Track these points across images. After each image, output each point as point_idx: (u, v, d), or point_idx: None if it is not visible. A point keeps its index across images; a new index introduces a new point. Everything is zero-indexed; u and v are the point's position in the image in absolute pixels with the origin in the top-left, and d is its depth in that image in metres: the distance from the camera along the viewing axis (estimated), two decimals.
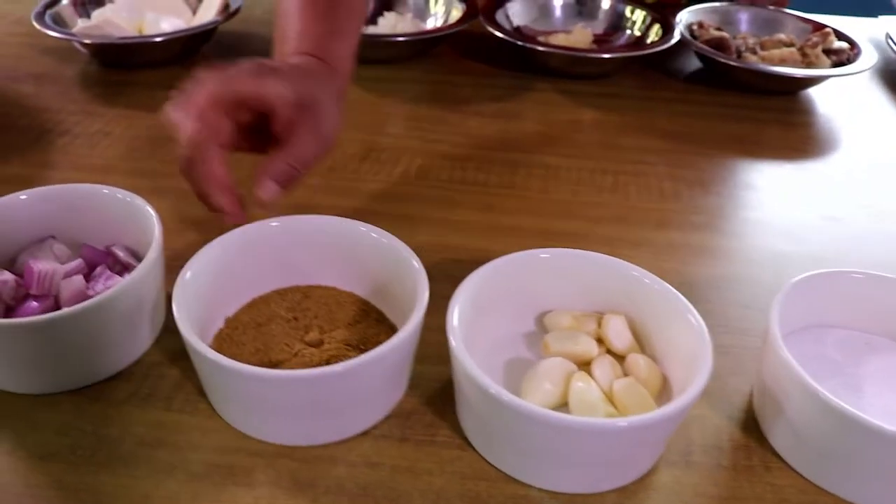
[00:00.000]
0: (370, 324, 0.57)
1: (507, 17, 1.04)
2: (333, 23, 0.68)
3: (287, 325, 0.56)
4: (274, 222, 0.58)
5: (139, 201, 0.59)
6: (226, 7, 1.00)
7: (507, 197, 0.76)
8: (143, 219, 0.58)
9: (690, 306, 0.52)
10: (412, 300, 0.53)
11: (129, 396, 0.54)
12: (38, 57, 1.02)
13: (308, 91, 0.60)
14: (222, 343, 0.55)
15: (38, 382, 0.53)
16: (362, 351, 0.54)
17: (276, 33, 0.69)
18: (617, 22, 1.08)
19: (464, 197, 0.76)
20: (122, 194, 0.60)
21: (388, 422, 0.53)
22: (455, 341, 0.49)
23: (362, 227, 0.58)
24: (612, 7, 1.08)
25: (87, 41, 0.94)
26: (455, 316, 0.51)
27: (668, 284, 0.55)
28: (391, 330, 0.57)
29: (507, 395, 0.45)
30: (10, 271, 0.57)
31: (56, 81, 0.96)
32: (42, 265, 0.55)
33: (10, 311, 0.55)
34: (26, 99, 0.92)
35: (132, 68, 0.99)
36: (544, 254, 0.57)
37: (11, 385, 0.53)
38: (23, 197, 0.60)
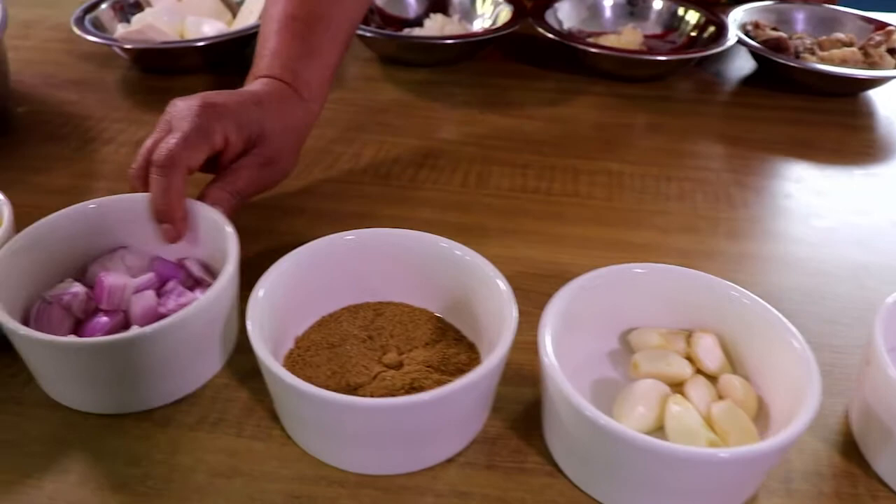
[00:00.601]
0: (449, 343, 0.54)
1: (557, 17, 1.01)
2: (310, 44, 0.67)
3: (362, 345, 0.54)
4: (349, 235, 0.56)
5: (214, 214, 0.56)
6: None
7: (572, 205, 0.73)
8: (216, 232, 0.56)
9: (792, 328, 0.49)
10: (494, 320, 0.50)
11: (198, 422, 0.51)
12: (77, 63, 1.00)
13: (256, 125, 0.61)
14: (295, 365, 0.52)
15: (105, 402, 0.51)
16: (443, 373, 0.51)
17: (256, 47, 0.69)
18: (669, 22, 1.05)
19: (528, 205, 0.73)
20: (196, 206, 0.57)
21: (472, 448, 0.50)
22: (549, 363, 0.46)
23: (443, 244, 0.55)
24: (664, 7, 1.05)
25: (128, 46, 0.91)
26: (547, 336, 0.48)
27: (765, 302, 0.52)
28: (470, 349, 0.54)
29: (605, 420, 0.43)
30: (80, 282, 0.54)
31: (97, 88, 0.94)
32: (113, 280, 0.52)
33: (79, 325, 0.53)
34: (68, 106, 0.90)
35: (174, 73, 0.96)
36: (639, 269, 0.54)
37: (78, 403, 0.51)
38: (92, 206, 0.57)
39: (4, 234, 0.55)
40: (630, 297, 0.55)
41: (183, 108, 0.59)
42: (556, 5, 1.02)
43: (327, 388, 0.46)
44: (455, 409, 0.46)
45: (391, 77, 0.96)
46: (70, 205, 0.70)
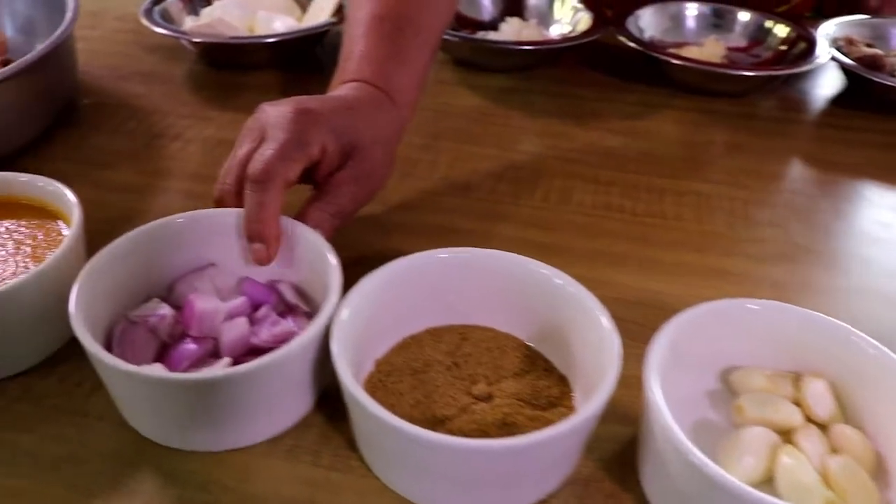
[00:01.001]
0: (539, 374, 0.51)
1: (638, 26, 0.97)
2: (399, 47, 0.63)
3: (448, 372, 0.50)
4: (443, 253, 0.52)
5: (312, 236, 0.53)
6: (340, 8, 0.94)
7: (659, 227, 0.69)
8: (313, 255, 0.52)
9: None
10: (592, 354, 0.47)
11: (271, 448, 0.48)
12: (144, 55, 0.98)
13: (353, 135, 0.57)
14: (376, 391, 0.49)
15: (188, 439, 0.48)
16: (535, 407, 0.48)
17: (342, 51, 0.64)
18: (755, 35, 1.00)
19: (612, 225, 0.69)
20: (292, 225, 0.54)
21: (565, 491, 0.46)
22: (656, 403, 0.42)
23: (543, 270, 0.51)
24: (751, 19, 1.00)
25: (197, 40, 0.89)
26: (654, 373, 0.44)
27: (885, 348, 0.48)
28: (561, 382, 0.51)
29: (715, 470, 0.39)
30: (165, 300, 0.52)
31: (164, 81, 0.92)
32: (204, 305, 0.49)
33: (165, 349, 0.50)
34: (134, 99, 0.88)
35: (242, 69, 0.93)
36: (752, 305, 0.50)
37: (159, 436, 0.48)
38: (180, 220, 0.54)
39: (74, 238, 0.52)
40: (733, 333, 0.51)
41: (276, 115, 0.54)
42: (638, 13, 0.98)
43: (412, 418, 0.43)
44: (554, 452, 0.43)
45: (465, 81, 0.92)
46: (136, 203, 0.69)
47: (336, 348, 0.45)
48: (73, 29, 0.78)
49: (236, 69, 0.94)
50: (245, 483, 0.46)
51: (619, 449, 0.49)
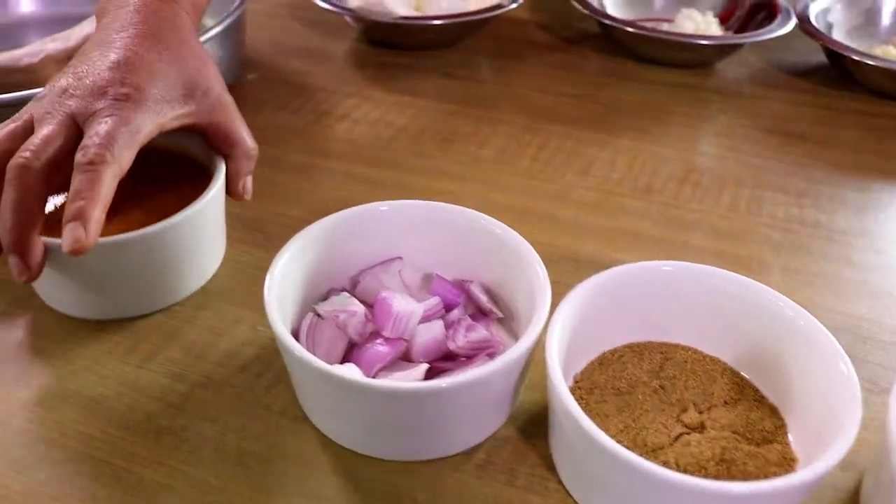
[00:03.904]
0: (750, 405, 0.46)
1: (827, 21, 0.90)
2: None
3: (655, 395, 0.46)
4: (667, 267, 0.48)
5: (508, 233, 0.49)
6: None
7: (863, 249, 0.63)
8: (510, 256, 0.49)
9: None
10: (816, 390, 0.43)
11: (462, 462, 0.45)
12: (304, 30, 0.96)
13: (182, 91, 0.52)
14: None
15: (381, 448, 0.45)
16: (750, 441, 0.44)
17: None
18: None
19: (808, 242, 0.64)
20: (483, 221, 0.51)
21: None
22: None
23: (769, 295, 0.47)
24: None
25: (364, 17, 0.86)
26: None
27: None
28: (773, 414, 0.46)
29: None
30: (350, 292, 0.50)
31: (327, 59, 0.90)
32: (401, 306, 0.46)
33: (352, 349, 0.47)
34: (298, 76, 0.86)
35: (405, 49, 0.91)
36: None
37: (338, 436, 0.46)
38: (383, 208, 0.52)
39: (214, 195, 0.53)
40: None
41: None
42: (827, 6, 0.91)
43: (621, 443, 0.39)
44: (790, 499, 0.39)
45: (636, 74, 0.88)
46: (303, 183, 0.67)
47: (550, 360, 0.41)
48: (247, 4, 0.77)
49: (398, 49, 0.91)
50: (436, 498, 0.43)
51: (846, 498, 0.44)
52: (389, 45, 0.91)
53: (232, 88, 0.71)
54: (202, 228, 0.54)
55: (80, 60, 0.51)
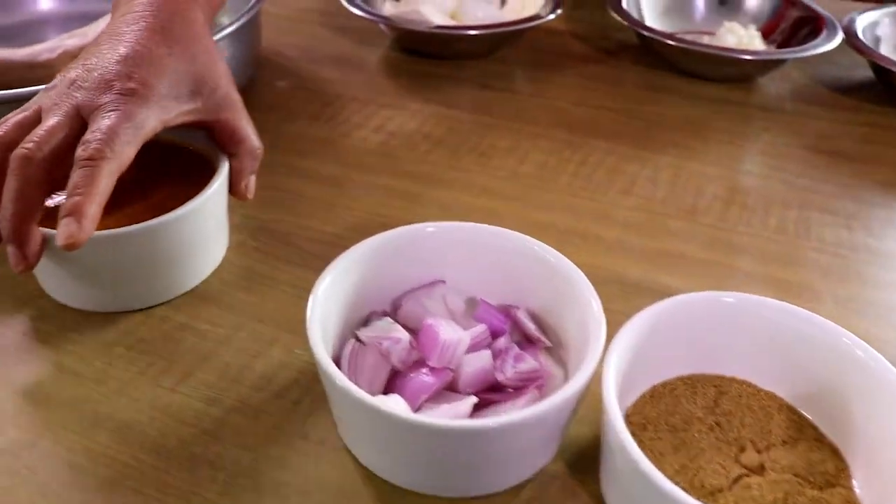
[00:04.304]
0: (810, 444, 0.44)
1: (874, 35, 0.88)
2: None
3: (711, 433, 0.44)
4: (728, 298, 0.46)
5: (566, 264, 0.47)
6: (559, 3, 0.88)
7: None
8: (562, 283, 0.47)
9: None
10: (881, 431, 0.40)
11: (510, 499, 0.43)
12: (334, 37, 0.95)
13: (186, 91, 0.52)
14: None
15: (426, 484, 0.43)
16: (812, 485, 0.42)
17: None
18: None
19: (860, 268, 0.61)
20: (540, 250, 0.49)
21: None
22: None
23: (829, 328, 0.45)
24: None
25: (400, 26, 0.84)
26: None
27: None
28: (835, 455, 0.44)
29: None
30: (391, 316, 0.48)
31: (359, 67, 0.88)
32: (448, 334, 0.45)
33: (395, 377, 0.45)
34: (330, 85, 0.84)
35: (438, 58, 0.89)
36: None
37: (380, 469, 0.44)
38: (430, 230, 0.50)
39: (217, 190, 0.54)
40: None
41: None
42: (875, 22, 0.89)
43: (677, 484, 0.37)
44: None
45: (676, 88, 0.85)
46: (338, 197, 0.65)
47: (611, 401, 0.39)
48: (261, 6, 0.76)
49: (433, 57, 0.89)
50: None
51: None
52: (424, 53, 0.89)
53: (251, 91, 0.70)
54: (203, 223, 0.54)
55: (90, 52, 0.51)
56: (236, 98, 0.56)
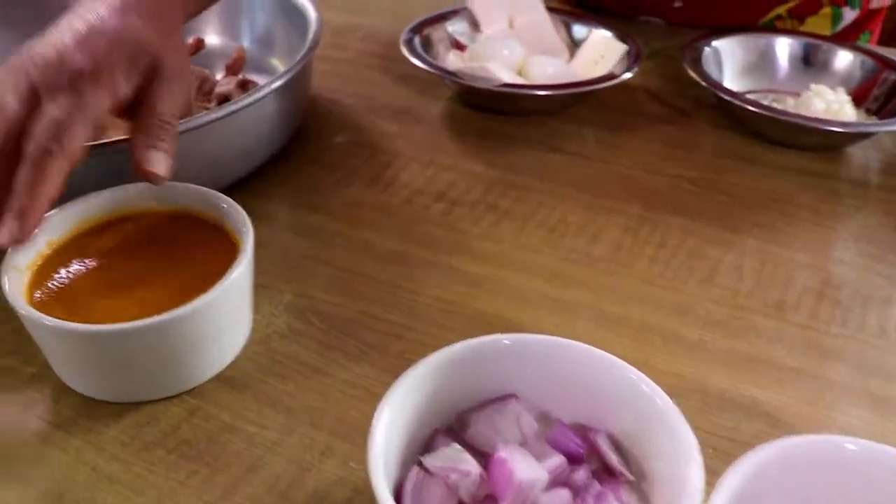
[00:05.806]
0: None
1: None
2: None
3: None
4: (851, 445, 0.41)
5: (639, 378, 0.43)
6: (636, 59, 0.83)
7: None
8: (640, 400, 0.42)
9: None
10: None
11: None
12: (394, 86, 0.90)
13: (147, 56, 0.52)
14: None
15: None
16: None
17: None
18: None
19: None
20: (622, 370, 0.44)
21: None
22: None
23: None
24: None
25: (468, 83, 0.80)
26: None
27: None
28: None
29: None
30: (456, 435, 0.44)
31: (420, 121, 0.84)
32: (524, 473, 0.40)
33: None
34: (388, 141, 0.80)
35: (503, 114, 0.84)
36: None
37: None
38: (506, 342, 0.46)
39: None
40: None
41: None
42: None
43: None
44: None
45: (759, 156, 0.79)
46: (404, 280, 0.61)
47: None
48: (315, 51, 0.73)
49: (497, 113, 0.84)
50: None
51: None
52: (488, 109, 0.85)
53: (299, 143, 0.65)
54: (225, 309, 0.52)
55: (53, 26, 0.51)
56: (177, 73, 0.55)
